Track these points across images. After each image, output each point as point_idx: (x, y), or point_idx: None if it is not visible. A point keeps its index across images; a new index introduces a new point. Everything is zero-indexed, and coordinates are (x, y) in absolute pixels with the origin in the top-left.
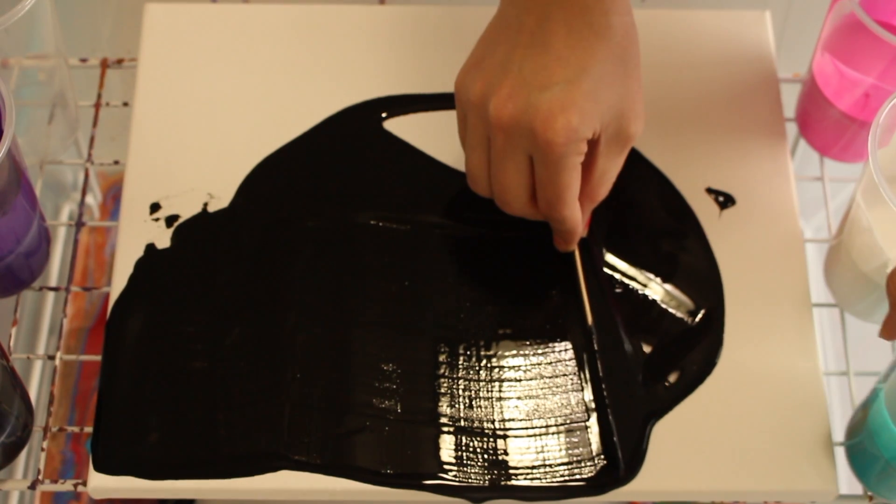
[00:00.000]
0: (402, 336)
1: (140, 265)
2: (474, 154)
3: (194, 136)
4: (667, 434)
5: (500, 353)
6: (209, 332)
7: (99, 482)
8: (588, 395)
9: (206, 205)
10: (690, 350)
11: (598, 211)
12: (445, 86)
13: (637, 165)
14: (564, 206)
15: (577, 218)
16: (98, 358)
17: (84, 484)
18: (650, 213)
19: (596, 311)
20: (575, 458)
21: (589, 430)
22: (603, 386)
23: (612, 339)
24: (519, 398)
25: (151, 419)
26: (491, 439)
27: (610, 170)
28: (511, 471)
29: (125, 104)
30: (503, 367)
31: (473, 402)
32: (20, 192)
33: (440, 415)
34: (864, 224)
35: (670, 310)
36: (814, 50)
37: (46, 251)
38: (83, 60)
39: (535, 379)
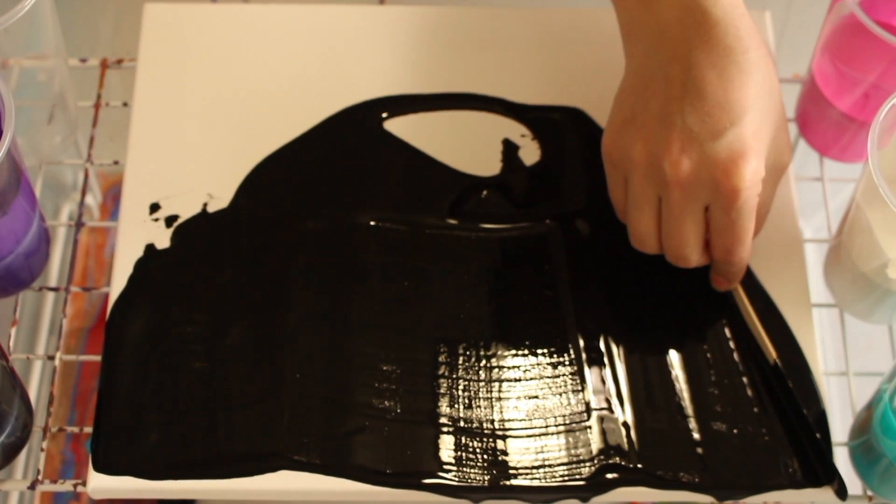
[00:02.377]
0: (401, 336)
1: (140, 265)
2: (643, 214)
3: (194, 136)
4: (667, 433)
5: (500, 353)
6: (209, 332)
7: (99, 482)
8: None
9: (205, 205)
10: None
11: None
12: (445, 86)
13: None
14: (744, 249)
15: (749, 257)
16: (98, 358)
17: (84, 484)
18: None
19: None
20: (575, 459)
21: (589, 430)
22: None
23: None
24: (519, 398)
25: (151, 419)
26: (491, 439)
27: (769, 201)
28: (511, 471)
29: (125, 104)
30: (503, 367)
31: (473, 402)
32: (20, 192)
33: (440, 415)
34: (864, 224)
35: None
36: (814, 50)
37: (46, 251)
38: (83, 60)
39: (535, 379)
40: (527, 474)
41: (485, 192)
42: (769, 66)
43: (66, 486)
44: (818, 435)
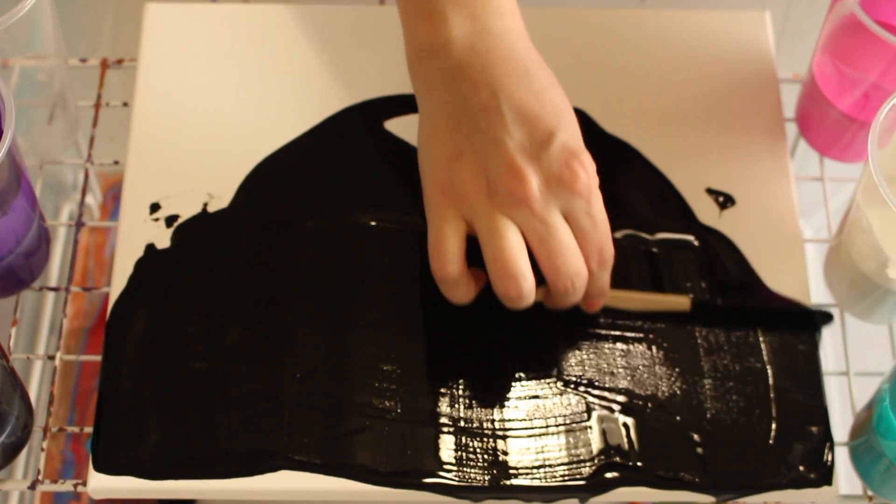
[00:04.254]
0: (402, 336)
1: (140, 265)
2: (507, 241)
3: (194, 136)
4: (667, 433)
5: (500, 352)
6: (209, 332)
7: (99, 482)
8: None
9: (206, 205)
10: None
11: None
12: None
13: (637, 165)
14: (610, 242)
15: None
16: (98, 358)
17: (84, 484)
18: (650, 214)
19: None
20: (575, 458)
21: (589, 430)
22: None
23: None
24: (519, 398)
25: (151, 419)
26: (491, 439)
27: None
28: (511, 470)
29: (125, 104)
30: (503, 367)
31: (473, 402)
32: (20, 192)
33: (440, 415)
34: (864, 224)
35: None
36: (814, 50)
37: (46, 251)
38: (83, 60)
39: (535, 379)
40: (527, 474)
41: None
42: (551, 73)
43: (66, 486)
44: (818, 435)
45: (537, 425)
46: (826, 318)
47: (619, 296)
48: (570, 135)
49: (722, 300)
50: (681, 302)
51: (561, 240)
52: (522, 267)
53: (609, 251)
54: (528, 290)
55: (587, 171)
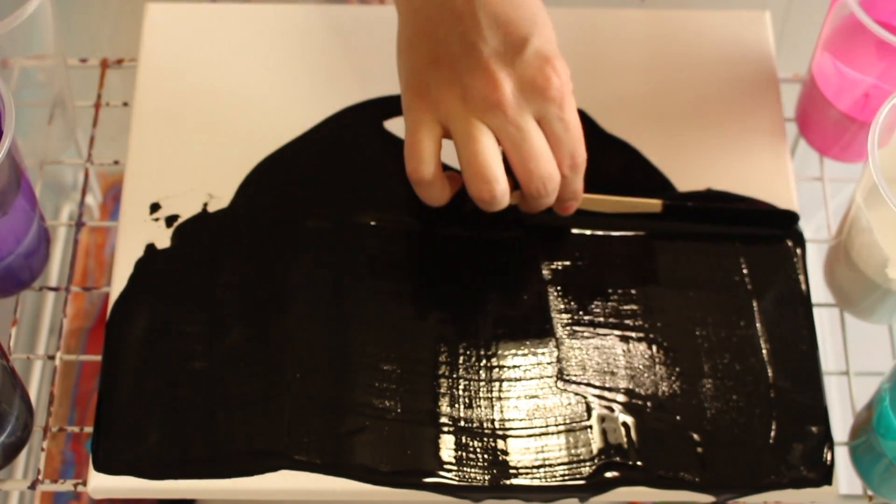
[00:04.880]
0: (402, 336)
1: (140, 265)
2: (481, 145)
3: (194, 136)
4: (667, 433)
5: (500, 352)
6: (209, 332)
7: (99, 482)
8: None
9: (206, 205)
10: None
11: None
12: None
13: (637, 165)
14: (582, 146)
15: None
16: (98, 358)
17: (84, 484)
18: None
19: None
20: (575, 458)
21: (589, 430)
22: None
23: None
24: (519, 398)
25: (151, 419)
26: (491, 439)
27: None
28: (511, 470)
29: (125, 104)
30: (503, 366)
31: (473, 402)
32: (20, 192)
33: (440, 414)
34: (864, 224)
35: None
36: (814, 50)
37: (46, 251)
38: (83, 60)
39: (535, 379)
40: (527, 474)
41: None
42: None
43: (66, 485)
44: (818, 435)
45: (537, 425)
46: (790, 218)
47: (592, 199)
48: (545, 41)
49: (693, 202)
50: (652, 204)
51: (534, 144)
52: (496, 170)
53: (581, 155)
54: (500, 193)
55: (560, 77)
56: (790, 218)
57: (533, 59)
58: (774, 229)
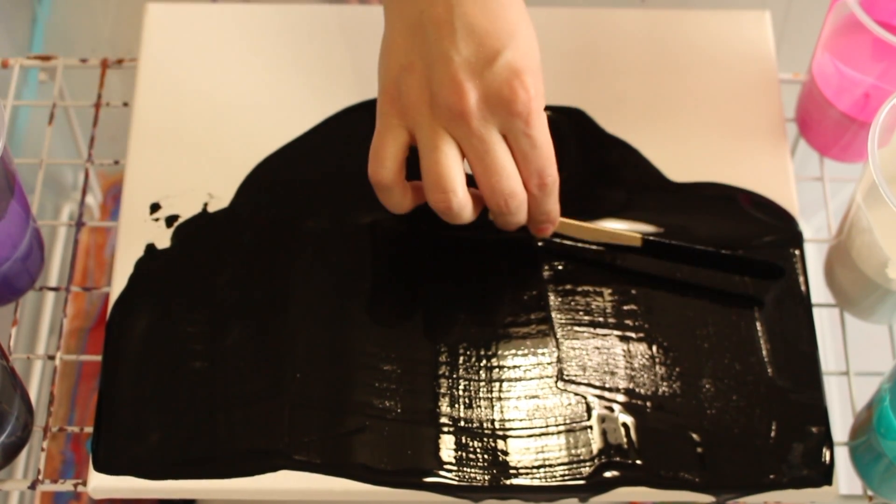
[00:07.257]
0: (402, 336)
1: (140, 265)
2: (442, 154)
3: (194, 136)
4: (667, 433)
5: (500, 353)
6: (209, 332)
7: (99, 482)
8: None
9: (206, 205)
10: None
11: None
12: None
13: (636, 165)
14: (554, 168)
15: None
16: (98, 358)
17: (84, 484)
18: (648, 213)
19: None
20: (575, 458)
21: (589, 430)
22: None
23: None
24: (519, 398)
25: (152, 419)
26: (491, 439)
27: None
28: (511, 470)
29: (125, 104)
30: (503, 366)
31: (473, 402)
32: (14, 196)
33: (440, 414)
34: (864, 224)
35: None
36: (814, 50)
37: (40, 255)
38: (83, 60)
39: (536, 379)
40: (527, 474)
41: None
42: (521, 1)
43: (66, 485)
44: (818, 435)
45: (537, 425)
46: (775, 269)
47: (570, 224)
48: (521, 55)
49: (673, 240)
50: (632, 238)
51: (496, 158)
52: (454, 181)
53: (551, 175)
54: (457, 204)
55: (528, 92)
56: (775, 269)
57: (502, 72)
58: (757, 278)
